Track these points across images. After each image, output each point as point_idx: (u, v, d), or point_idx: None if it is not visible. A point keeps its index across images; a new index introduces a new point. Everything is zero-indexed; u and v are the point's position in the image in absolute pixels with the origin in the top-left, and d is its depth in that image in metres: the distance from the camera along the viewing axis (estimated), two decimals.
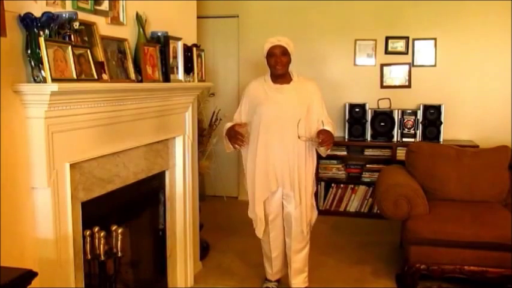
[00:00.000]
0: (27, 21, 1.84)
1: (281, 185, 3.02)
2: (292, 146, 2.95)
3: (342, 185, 5.03)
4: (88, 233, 2.20)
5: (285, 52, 2.93)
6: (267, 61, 2.98)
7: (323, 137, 2.85)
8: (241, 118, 3.12)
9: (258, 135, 2.98)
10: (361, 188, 5.00)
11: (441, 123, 4.81)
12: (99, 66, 2.21)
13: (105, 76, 2.24)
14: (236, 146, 3.01)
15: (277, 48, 2.93)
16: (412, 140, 4.80)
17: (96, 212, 2.31)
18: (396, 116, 4.89)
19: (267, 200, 3.07)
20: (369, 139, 4.97)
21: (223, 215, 4.91)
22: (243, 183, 3.26)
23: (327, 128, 2.96)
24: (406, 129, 4.88)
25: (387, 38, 5.05)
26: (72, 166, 2.07)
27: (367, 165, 5.02)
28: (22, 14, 1.84)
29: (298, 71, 3.15)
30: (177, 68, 2.88)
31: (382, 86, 5.12)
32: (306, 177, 3.02)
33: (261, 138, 2.97)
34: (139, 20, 2.60)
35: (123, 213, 2.64)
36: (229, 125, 3.08)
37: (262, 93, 3.02)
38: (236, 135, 2.97)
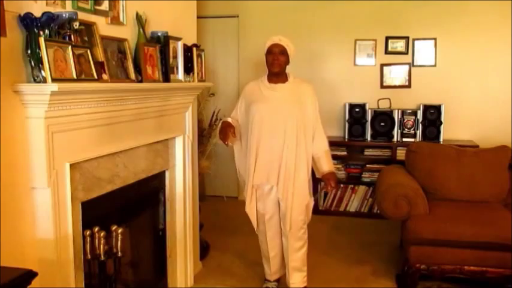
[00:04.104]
0: (27, 21, 1.84)
1: (268, 181, 3.03)
2: (285, 143, 2.98)
3: (342, 185, 5.03)
4: (88, 233, 2.20)
5: (283, 52, 2.96)
6: (266, 59, 3.02)
7: (334, 184, 3.10)
8: (237, 117, 3.17)
9: (252, 132, 3.01)
10: (361, 188, 5.01)
11: (441, 123, 4.81)
12: (99, 66, 2.21)
13: (105, 76, 2.24)
14: (225, 140, 3.01)
15: (276, 46, 2.96)
16: (412, 140, 4.80)
17: (96, 212, 2.30)
18: (396, 116, 4.89)
19: (263, 199, 3.09)
20: (369, 139, 4.97)
21: (223, 215, 4.91)
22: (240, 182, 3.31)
23: (328, 165, 3.10)
24: (406, 129, 4.89)
25: (387, 38, 5.06)
26: (72, 166, 2.06)
27: (367, 165, 5.02)
28: (22, 14, 1.84)
29: (298, 71, 3.16)
30: (177, 68, 2.88)
31: (382, 86, 5.12)
32: (300, 174, 3.02)
33: (255, 135, 3.00)
34: (139, 20, 2.60)
35: (123, 213, 2.64)
36: (227, 119, 3.13)
37: (258, 92, 3.06)
38: (225, 130, 2.98)
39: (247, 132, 3.09)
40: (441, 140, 4.81)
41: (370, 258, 3.80)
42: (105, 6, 2.34)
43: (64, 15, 1.97)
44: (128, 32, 2.55)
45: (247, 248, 3.86)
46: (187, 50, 3.01)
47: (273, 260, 3.23)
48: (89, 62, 2.10)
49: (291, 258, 3.13)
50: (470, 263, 3.08)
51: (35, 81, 1.87)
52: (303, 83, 3.10)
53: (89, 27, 2.22)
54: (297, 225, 3.06)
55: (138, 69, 2.54)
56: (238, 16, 5.42)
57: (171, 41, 2.78)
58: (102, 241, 2.23)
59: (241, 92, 3.27)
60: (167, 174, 3.02)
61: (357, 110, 4.96)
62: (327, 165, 3.11)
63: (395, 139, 4.92)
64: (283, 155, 2.98)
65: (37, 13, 1.86)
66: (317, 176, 3.21)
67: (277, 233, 3.17)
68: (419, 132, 4.86)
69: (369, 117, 4.94)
